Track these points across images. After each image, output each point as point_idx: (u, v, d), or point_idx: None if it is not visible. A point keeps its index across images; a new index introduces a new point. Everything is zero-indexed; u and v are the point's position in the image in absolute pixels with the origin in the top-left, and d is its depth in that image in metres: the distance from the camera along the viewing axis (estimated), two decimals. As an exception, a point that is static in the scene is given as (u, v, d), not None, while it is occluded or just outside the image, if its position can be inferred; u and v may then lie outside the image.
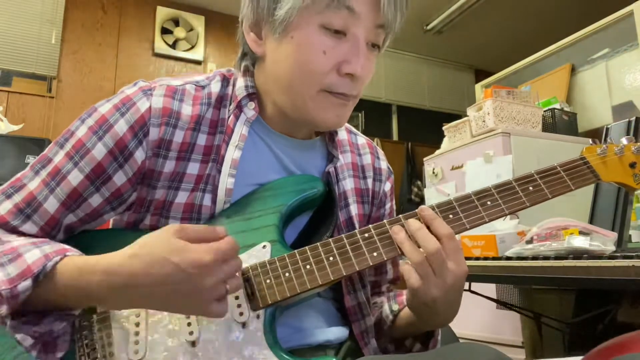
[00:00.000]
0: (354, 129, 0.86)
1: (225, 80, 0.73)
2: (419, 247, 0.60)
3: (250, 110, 0.70)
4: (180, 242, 0.53)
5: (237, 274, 0.57)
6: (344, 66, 0.64)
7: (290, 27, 0.63)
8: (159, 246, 0.53)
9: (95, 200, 0.64)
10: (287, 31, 0.63)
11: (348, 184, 0.77)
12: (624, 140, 0.71)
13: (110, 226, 0.72)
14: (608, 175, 0.68)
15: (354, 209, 0.76)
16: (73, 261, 0.57)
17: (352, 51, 0.63)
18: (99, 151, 0.63)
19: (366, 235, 0.63)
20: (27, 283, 0.54)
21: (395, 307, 0.74)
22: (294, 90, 0.65)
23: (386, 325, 0.75)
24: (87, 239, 0.67)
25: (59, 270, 0.56)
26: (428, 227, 0.61)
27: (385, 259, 0.61)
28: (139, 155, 0.64)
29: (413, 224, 0.61)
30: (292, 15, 0.62)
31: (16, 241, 0.60)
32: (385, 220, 0.64)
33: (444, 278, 0.59)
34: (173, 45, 3.98)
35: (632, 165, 0.69)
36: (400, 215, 0.64)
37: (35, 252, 0.57)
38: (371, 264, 0.61)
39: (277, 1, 0.63)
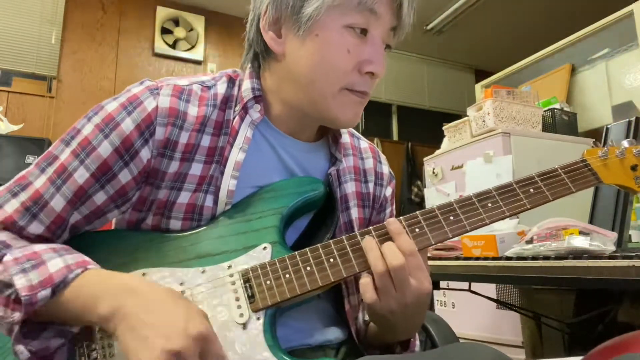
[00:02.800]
0: (356, 133, 0.87)
1: (231, 82, 0.73)
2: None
3: (255, 112, 0.70)
4: (201, 314, 0.55)
5: None
6: (366, 65, 0.66)
7: (316, 25, 0.64)
8: (185, 301, 0.56)
9: (100, 198, 0.64)
10: (312, 29, 0.64)
11: (349, 187, 0.77)
12: (625, 143, 0.71)
13: (113, 227, 0.72)
14: (609, 178, 0.68)
15: (354, 213, 0.76)
16: (95, 273, 0.58)
17: (374, 51, 0.66)
18: (105, 149, 0.63)
19: (366, 237, 0.63)
20: (46, 292, 0.54)
21: (367, 317, 0.74)
22: (316, 88, 0.66)
23: (361, 335, 0.75)
24: (89, 240, 0.67)
25: (78, 283, 0.56)
26: (395, 242, 0.61)
27: None
28: (145, 154, 0.64)
29: (382, 236, 0.62)
30: (320, 13, 0.63)
31: (37, 246, 0.59)
32: (385, 222, 0.64)
33: (403, 293, 0.59)
34: (173, 45, 3.98)
35: (634, 168, 0.69)
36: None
37: (57, 262, 0.57)
38: None
39: None
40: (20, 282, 0.54)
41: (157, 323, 0.51)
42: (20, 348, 0.54)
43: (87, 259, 0.60)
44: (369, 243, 0.61)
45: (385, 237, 0.62)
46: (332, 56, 0.64)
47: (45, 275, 0.55)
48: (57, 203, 0.63)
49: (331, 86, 0.66)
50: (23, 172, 0.65)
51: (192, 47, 4.04)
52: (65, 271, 0.56)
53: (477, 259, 1.34)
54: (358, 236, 0.63)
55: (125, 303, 0.53)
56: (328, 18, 0.64)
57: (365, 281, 0.61)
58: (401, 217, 0.64)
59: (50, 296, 0.54)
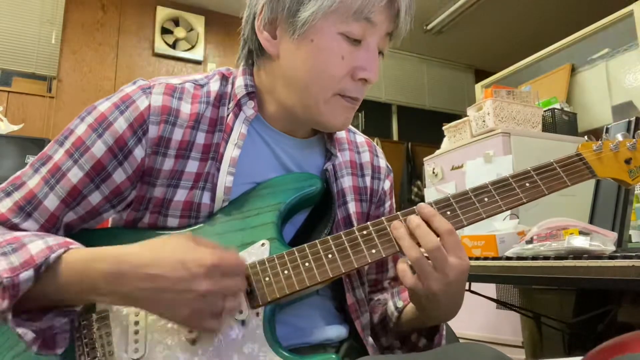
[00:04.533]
0: (352, 127, 0.86)
1: (225, 79, 0.73)
2: (418, 243, 0.60)
3: (249, 109, 0.70)
4: (191, 244, 0.55)
5: (237, 296, 0.58)
6: (360, 72, 0.65)
7: (311, 30, 0.64)
8: (170, 243, 0.56)
9: (95, 198, 0.64)
10: (307, 34, 0.64)
11: (346, 182, 0.77)
12: (619, 137, 0.71)
13: (109, 225, 0.72)
14: (603, 171, 0.69)
15: (352, 207, 0.76)
16: (78, 253, 0.57)
17: (368, 57, 0.65)
18: (98, 149, 0.63)
19: (364, 232, 0.63)
20: (29, 273, 0.54)
21: (400, 304, 0.74)
22: (309, 93, 0.66)
23: (391, 322, 0.74)
24: (85, 238, 0.67)
25: (62, 263, 0.56)
26: (428, 224, 0.61)
27: (384, 255, 0.62)
28: (139, 152, 0.64)
29: (413, 220, 0.61)
30: (316, 18, 0.63)
31: (20, 233, 0.60)
32: (383, 218, 0.64)
33: (445, 273, 0.59)
34: (173, 45, 3.99)
35: (628, 162, 0.70)
36: (398, 213, 0.65)
37: (38, 243, 0.57)
38: (369, 261, 0.61)
39: (301, 3, 0.63)
40: (1, 265, 0.54)
41: (168, 285, 0.53)
42: (23, 330, 0.54)
43: (70, 240, 0.60)
44: (399, 232, 0.61)
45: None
46: (327, 63, 0.64)
47: (27, 257, 0.55)
48: (51, 202, 0.63)
49: (324, 92, 0.66)
50: (17, 173, 0.65)
51: (192, 47, 4.04)
52: (47, 252, 0.55)
53: (477, 259, 1.34)
54: (356, 232, 0.63)
55: (122, 287, 0.54)
56: (324, 24, 0.63)
57: (402, 267, 0.61)
58: (398, 213, 0.64)
59: (34, 277, 0.54)
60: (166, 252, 0.55)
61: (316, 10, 0.62)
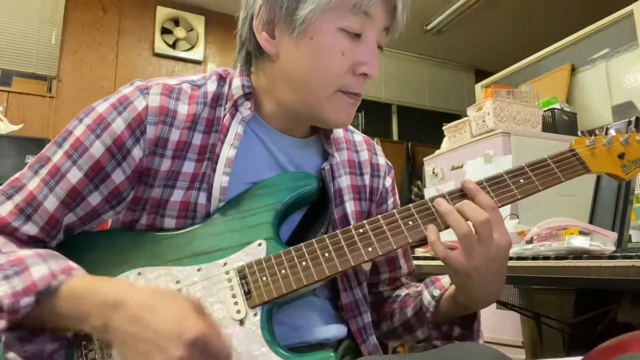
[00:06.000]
0: (351, 127, 0.86)
1: (222, 80, 0.73)
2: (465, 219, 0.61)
3: (246, 109, 0.70)
4: (195, 309, 0.52)
5: None
6: (360, 67, 0.66)
7: (310, 28, 0.64)
8: (176, 299, 0.52)
9: (95, 199, 0.64)
10: (306, 32, 0.64)
11: (344, 181, 0.77)
12: (613, 132, 0.71)
13: (109, 227, 0.72)
14: (597, 166, 0.69)
15: (349, 206, 0.76)
16: (80, 280, 0.56)
17: (368, 52, 0.65)
18: (97, 149, 0.63)
19: (361, 230, 0.63)
20: (29, 300, 0.53)
21: (437, 292, 0.72)
22: (311, 91, 0.66)
23: (429, 312, 0.73)
24: (85, 240, 0.67)
25: (63, 289, 0.55)
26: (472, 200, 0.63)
27: (380, 253, 0.62)
28: (137, 153, 0.64)
29: (459, 199, 0.64)
30: (315, 16, 0.63)
31: (21, 252, 0.58)
32: (379, 216, 0.64)
33: (488, 247, 0.60)
34: (173, 45, 3.98)
35: (621, 156, 0.70)
36: (410, 205, 0.65)
37: (41, 268, 0.55)
38: (366, 259, 0.62)
39: (299, 1, 0.63)
40: (3, 289, 0.53)
41: (150, 336, 0.49)
42: (12, 355, 0.53)
43: (72, 264, 0.59)
44: (445, 207, 0.62)
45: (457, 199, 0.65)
46: (327, 59, 0.64)
47: (29, 282, 0.54)
48: (51, 204, 0.62)
49: (325, 89, 0.66)
50: (16, 175, 0.65)
51: (192, 47, 4.04)
52: (49, 278, 0.54)
53: (477, 258, 1.34)
54: (352, 230, 0.63)
55: (112, 319, 0.51)
56: (323, 21, 0.63)
57: (433, 239, 0.62)
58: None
59: (35, 303, 0.53)
60: (167, 306, 0.51)
61: (314, 8, 0.62)
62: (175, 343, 0.48)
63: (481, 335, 0.74)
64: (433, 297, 0.72)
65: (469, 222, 0.61)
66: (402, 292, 0.82)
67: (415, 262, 0.93)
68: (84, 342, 0.59)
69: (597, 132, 0.72)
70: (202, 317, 0.52)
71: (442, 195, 0.65)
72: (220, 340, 0.52)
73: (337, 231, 0.63)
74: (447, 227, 0.63)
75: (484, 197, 0.62)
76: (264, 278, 0.61)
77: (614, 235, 1.13)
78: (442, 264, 0.62)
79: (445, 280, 0.73)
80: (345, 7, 0.63)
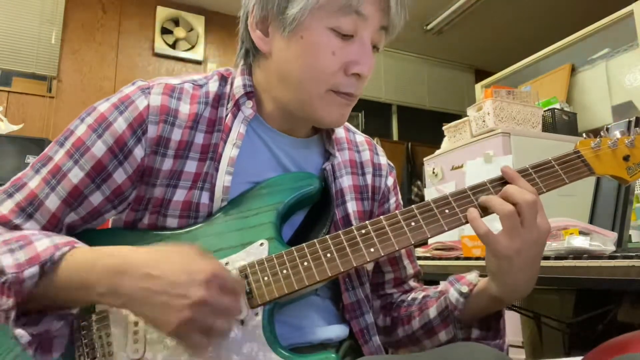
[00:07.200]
0: (352, 127, 0.86)
1: (224, 80, 0.73)
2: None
3: (247, 109, 0.70)
4: (197, 254, 0.56)
5: (229, 318, 0.56)
6: (352, 67, 0.65)
7: (300, 26, 0.64)
8: (177, 251, 0.56)
9: (96, 198, 0.65)
10: (296, 31, 0.64)
11: (345, 181, 0.77)
12: (618, 134, 0.70)
13: (110, 226, 0.72)
14: (602, 169, 0.68)
15: (351, 206, 0.76)
16: (83, 251, 0.58)
17: (361, 52, 0.65)
18: (98, 149, 0.63)
19: (363, 231, 0.63)
20: (34, 270, 0.54)
21: (465, 289, 0.70)
22: (302, 89, 0.66)
23: (456, 310, 0.70)
24: (86, 238, 0.67)
25: (67, 260, 0.57)
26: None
27: (382, 254, 0.62)
28: (138, 152, 0.64)
29: (504, 185, 0.64)
30: (304, 15, 0.63)
31: (27, 231, 0.60)
32: (382, 217, 0.64)
33: (531, 230, 0.60)
34: (173, 45, 3.98)
35: (626, 159, 0.69)
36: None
37: (45, 242, 0.57)
38: (368, 259, 0.61)
39: (289, 0, 0.63)
40: (7, 261, 0.54)
41: (165, 288, 0.52)
42: (20, 332, 0.54)
43: (75, 239, 0.60)
44: (488, 199, 0.63)
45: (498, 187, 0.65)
46: (317, 58, 0.64)
47: (33, 254, 0.55)
48: (52, 203, 0.63)
49: (317, 88, 0.66)
50: (19, 174, 0.65)
51: (192, 47, 4.04)
52: (52, 249, 0.56)
53: (477, 259, 1.34)
54: (355, 231, 0.63)
55: (121, 283, 0.54)
56: (312, 20, 0.63)
57: (473, 216, 0.62)
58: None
59: (39, 274, 0.55)
60: (171, 257, 0.55)
61: (304, 7, 0.62)
62: (193, 287, 0.52)
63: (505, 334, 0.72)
64: (461, 293, 0.70)
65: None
66: (419, 294, 0.79)
67: (415, 262, 0.92)
68: (83, 332, 0.60)
69: (602, 133, 0.71)
70: (207, 258, 0.55)
71: (483, 184, 0.66)
72: (231, 275, 0.56)
73: (339, 232, 0.63)
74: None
75: (524, 184, 0.63)
76: (266, 278, 0.61)
77: (614, 235, 1.13)
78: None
79: (471, 276, 0.71)
80: (334, 7, 0.62)
